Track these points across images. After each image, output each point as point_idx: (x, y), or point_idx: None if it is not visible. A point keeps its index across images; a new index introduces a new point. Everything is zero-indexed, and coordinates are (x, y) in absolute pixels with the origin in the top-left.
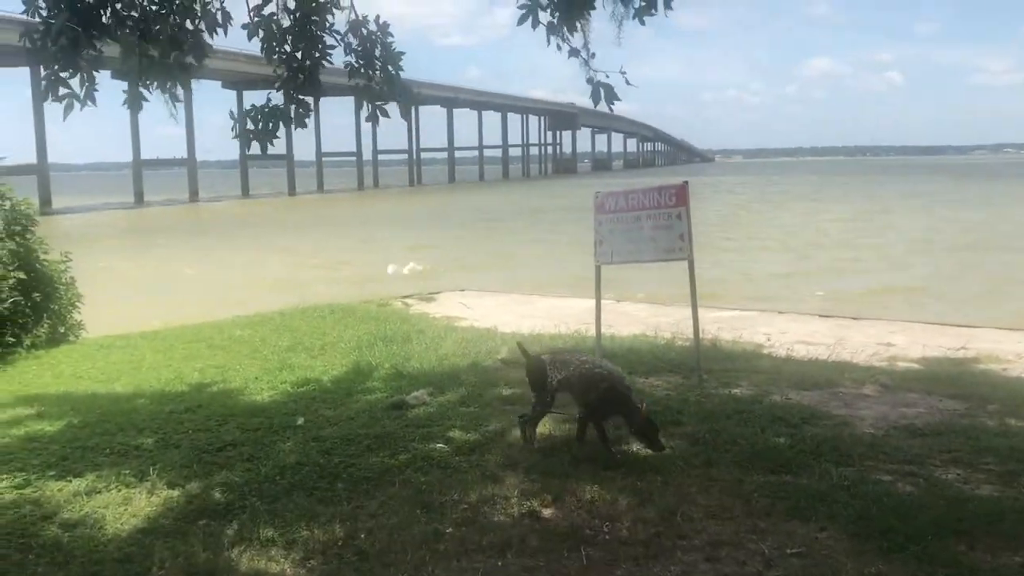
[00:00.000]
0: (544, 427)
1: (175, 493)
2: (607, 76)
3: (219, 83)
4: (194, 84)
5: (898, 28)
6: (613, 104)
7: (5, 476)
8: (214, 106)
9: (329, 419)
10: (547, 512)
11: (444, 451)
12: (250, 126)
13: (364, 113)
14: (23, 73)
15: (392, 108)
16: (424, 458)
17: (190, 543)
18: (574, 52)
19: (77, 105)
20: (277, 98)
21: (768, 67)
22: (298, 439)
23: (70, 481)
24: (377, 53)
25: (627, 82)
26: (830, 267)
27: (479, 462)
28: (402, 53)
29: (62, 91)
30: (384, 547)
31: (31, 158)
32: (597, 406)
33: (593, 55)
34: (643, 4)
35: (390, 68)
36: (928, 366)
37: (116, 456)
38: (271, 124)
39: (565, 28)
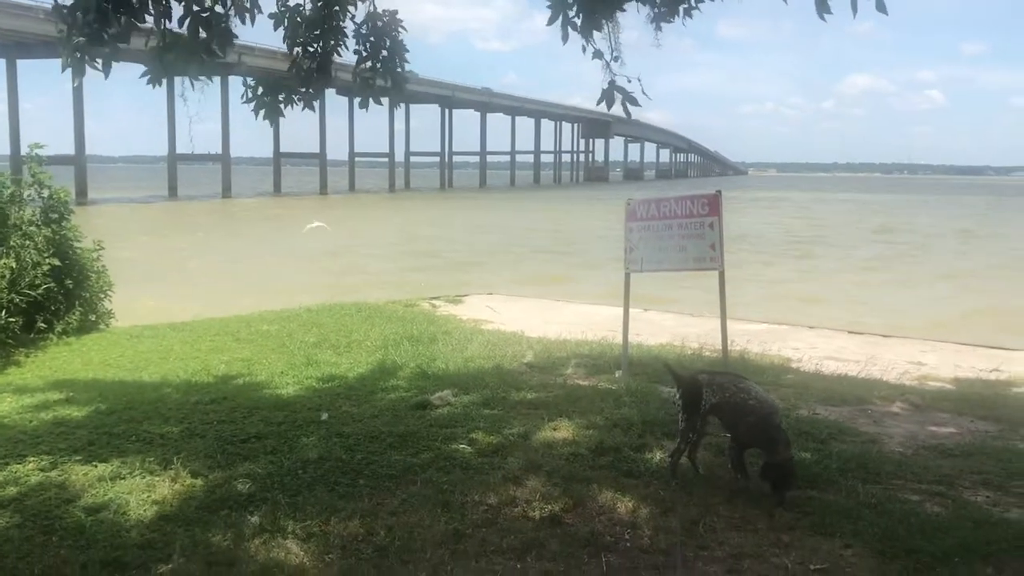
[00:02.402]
0: (568, 432)
1: (198, 482)
2: (628, 81)
3: (253, 81)
4: (230, 80)
5: (944, 48)
6: (630, 109)
7: (32, 458)
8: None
9: (353, 416)
10: (568, 517)
11: (467, 452)
12: (261, 92)
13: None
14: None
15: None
16: (446, 458)
17: (211, 532)
18: (598, 54)
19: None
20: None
21: (808, 82)
22: (321, 434)
23: (95, 466)
24: (386, 44)
25: (643, 92)
26: None
27: (501, 464)
28: (407, 49)
29: (93, 58)
30: (403, 544)
31: (69, 149)
32: (743, 437)
33: (616, 59)
34: (661, 11)
35: (396, 60)
36: (960, 387)
37: (141, 443)
38: (279, 97)
39: (592, 29)
